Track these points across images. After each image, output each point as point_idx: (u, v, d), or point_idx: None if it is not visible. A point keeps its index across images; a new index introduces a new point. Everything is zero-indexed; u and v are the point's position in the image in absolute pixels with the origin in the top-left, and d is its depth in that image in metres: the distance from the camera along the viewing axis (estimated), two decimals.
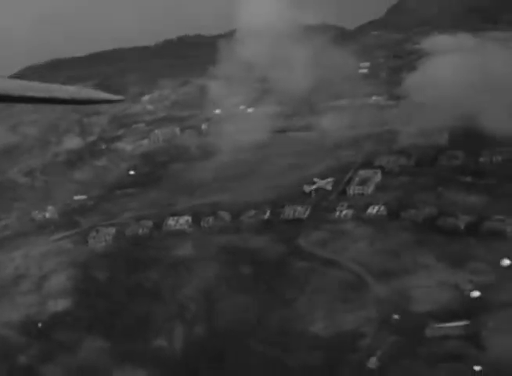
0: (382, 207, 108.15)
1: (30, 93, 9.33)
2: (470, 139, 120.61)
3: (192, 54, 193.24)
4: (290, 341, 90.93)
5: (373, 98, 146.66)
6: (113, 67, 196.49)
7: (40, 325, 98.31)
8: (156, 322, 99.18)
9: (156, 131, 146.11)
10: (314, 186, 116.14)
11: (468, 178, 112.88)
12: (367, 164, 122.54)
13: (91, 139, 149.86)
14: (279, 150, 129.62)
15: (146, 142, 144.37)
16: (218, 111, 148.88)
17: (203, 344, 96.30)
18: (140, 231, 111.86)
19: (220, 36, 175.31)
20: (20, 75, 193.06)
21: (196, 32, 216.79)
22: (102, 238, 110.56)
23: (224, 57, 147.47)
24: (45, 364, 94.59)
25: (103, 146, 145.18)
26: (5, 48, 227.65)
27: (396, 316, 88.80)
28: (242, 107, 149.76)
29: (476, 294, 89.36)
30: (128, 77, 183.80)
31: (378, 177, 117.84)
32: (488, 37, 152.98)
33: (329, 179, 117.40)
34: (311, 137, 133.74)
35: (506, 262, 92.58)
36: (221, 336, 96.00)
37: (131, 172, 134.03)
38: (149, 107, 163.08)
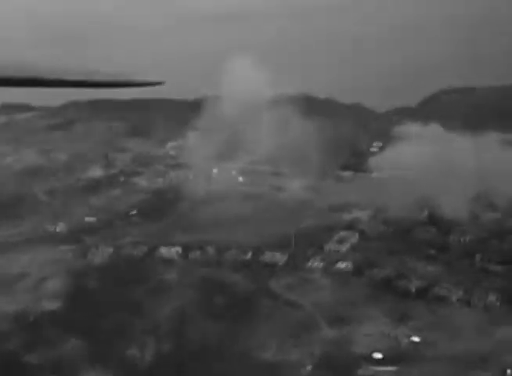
0: (349, 264, 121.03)
1: (66, 77, 9.06)
2: (444, 218, 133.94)
3: None
4: (244, 362, 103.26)
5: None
6: (149, 113, 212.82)
7: (31, 319, 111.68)
8: (132, 333, 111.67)
9: (171, 172, 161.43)
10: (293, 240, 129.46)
11: (432, 251, 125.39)
12: (350, 226, 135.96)
13: (113, 171, 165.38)
14: (270, 204, 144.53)
15: (160, 180, 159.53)
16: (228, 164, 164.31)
17: (170, 358, 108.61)
18: (135, 253, 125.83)
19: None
20: (63, 108, 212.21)
21: None
22: (100, 254, 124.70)
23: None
24: (27, 353, 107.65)
25: (122, 179, 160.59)
26: None
27: (336, 355, 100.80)
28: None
29: (410, 346, 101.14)
30: (160, 124, 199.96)
31: (355, 238, 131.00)
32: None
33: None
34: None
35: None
36: (187, 353, 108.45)
37: (140, 204, 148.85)
38: (172, 153, 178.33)
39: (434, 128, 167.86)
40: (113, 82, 9.62)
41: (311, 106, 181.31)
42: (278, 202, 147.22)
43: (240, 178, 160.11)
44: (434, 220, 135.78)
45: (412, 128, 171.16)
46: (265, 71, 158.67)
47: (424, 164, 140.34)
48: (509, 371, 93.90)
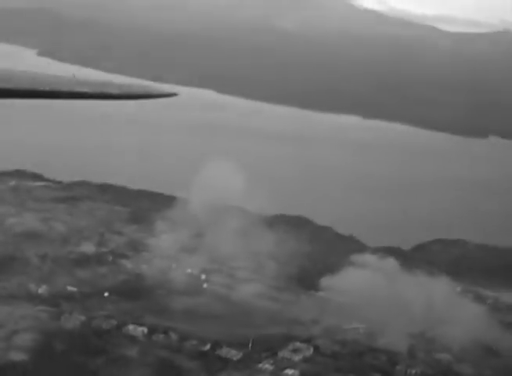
0: (297, 373, 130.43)
1: (81, 89, 8.58)
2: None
3: None
4: None
5: None
6: (151, 204, 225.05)
7: None
8: None
9: (157, 260, 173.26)
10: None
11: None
12: (307, 340, 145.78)
13: (104, 250, 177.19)
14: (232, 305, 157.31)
15: (145, 266, 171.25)
16: None
17: None
18: (104, 325, 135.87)
19: None
20: (74, 184, 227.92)
21: None
22: (72, 321, 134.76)
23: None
24: None
25: (110, 259, 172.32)
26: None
27: None
28: None
29: None
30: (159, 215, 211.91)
31: (309, 352, 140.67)
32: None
33: None
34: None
35: None
36: None
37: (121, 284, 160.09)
38: (163, 243, 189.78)
39: (392, 263, 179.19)
40: (127, 95, 9.06)
41: (289, 225, 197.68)
42: (238, 303, 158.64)
43: (203, 276, 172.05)
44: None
45: (370, 258, 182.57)
46: (241, 184, 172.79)
47: (372, 293, 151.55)
48: None
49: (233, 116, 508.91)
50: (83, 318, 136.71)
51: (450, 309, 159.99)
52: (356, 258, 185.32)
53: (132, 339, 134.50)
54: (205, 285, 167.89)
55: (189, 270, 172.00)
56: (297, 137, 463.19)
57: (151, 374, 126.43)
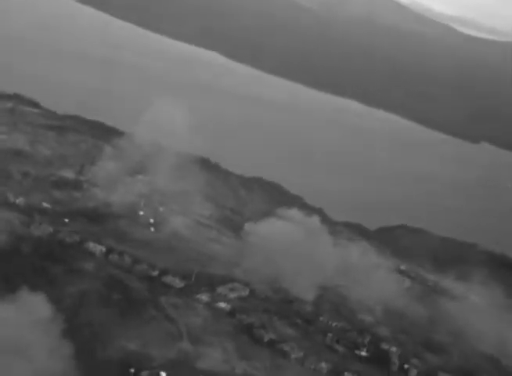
0: (228, 306, 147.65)
1: None
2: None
3: None
4: (111, 348, 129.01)
5: None
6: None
7: None
8: None
9: (129, 194, 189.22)
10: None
11: (299, 321, 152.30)
12: (246, 283, 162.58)
13: (81, 178, 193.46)
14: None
15: (116, 197, 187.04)
16: None
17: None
18: (68, 239, 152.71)
19: None
20: (67, 117, 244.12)
21: None
22: (41, 231, 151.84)
23: None
24: None
25: (85, 186, 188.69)
26: None
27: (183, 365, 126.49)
28: None
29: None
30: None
31: (245, 292, 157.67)
32: None
33: None
34: None
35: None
36: (76, 326, 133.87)
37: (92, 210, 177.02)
38: (139, 181, 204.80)
39: (315, 221, 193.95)
40: None
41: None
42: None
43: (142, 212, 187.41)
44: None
45: (296, 213, 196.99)
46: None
47: (289, 243, 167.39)
48: None
49: (229, 80, 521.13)
50: (50, 229, 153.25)
51: (367, 275, 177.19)
52: (283, 211, 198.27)
53: (91, 255, 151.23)
54: (141, 212, 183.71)
55: (130, 197, 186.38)
56: (282, 106, 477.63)
57: (101, 287, 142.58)
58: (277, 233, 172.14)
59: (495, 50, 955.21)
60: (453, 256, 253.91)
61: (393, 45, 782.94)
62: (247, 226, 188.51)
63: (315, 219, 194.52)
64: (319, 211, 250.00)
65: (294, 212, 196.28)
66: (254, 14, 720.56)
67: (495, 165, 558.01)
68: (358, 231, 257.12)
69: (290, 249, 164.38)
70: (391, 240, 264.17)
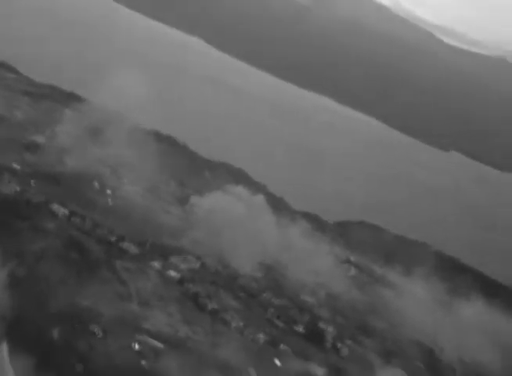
0: (178, 275, 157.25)
1: None
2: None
3: None
4: (67, 305, 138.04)
5: None
6: None
7: None
8: None
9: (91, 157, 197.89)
10: None
11: (241, 293, 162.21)
12: (198, 257, 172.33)
13: (51, 143, 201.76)
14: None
15: (81, 161, 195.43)
16: None
17: (21, 282, 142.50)
18: (33, 199, 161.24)
19: None
20: (43, 86, 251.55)
21: None
22: (8, 188, 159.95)
23: None
24: None
25: (53, 150, 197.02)
26: None
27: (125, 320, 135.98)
28: None
29: (187, 337, 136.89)
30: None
31: (197, 265, 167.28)
32: None
33: None
34: None
35: None
36: (32, 280, 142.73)
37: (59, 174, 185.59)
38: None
39: (260, 200, 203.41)
40: None
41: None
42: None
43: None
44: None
45: (241, 190, 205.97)
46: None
47: (230, 218, 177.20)
48: None
49: (208, 66, 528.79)
50: (18, 188, 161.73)
51: (313, 258, 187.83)
52: (229, 187, 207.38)
53: (54, 216, 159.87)
54: (96, 183, 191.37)
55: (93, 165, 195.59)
56: (258, 98, 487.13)
57: (61, 246, 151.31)
58: (221, 207, 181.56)
59: (477, 61, 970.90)
60: (404, 253, 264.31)
61: (377, 47, 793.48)
62: (193, 199, 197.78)
63: (260, 198, 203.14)
64: (263, 189, 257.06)
65: (240, 189, 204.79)
66: (244, 4, 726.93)
67: (461, 173, 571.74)
68: (316, 222, 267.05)
69: (232, 224, 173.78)
70: (346, 233, 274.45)
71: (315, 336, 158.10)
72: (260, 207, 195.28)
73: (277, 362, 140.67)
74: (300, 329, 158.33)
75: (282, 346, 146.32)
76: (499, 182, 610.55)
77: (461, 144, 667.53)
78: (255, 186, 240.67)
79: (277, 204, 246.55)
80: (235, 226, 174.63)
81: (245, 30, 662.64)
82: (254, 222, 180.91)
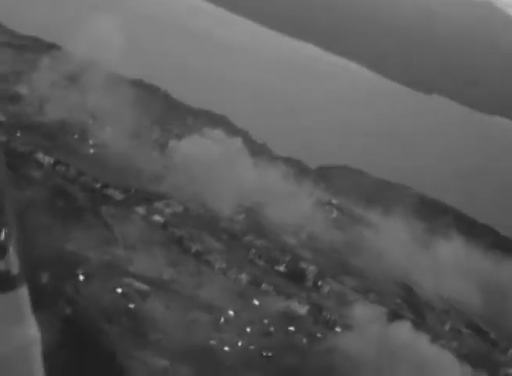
0: (162, 219, 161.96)
1: None
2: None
3: None
4: (51, 249, 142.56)
5: None
6: None
7: None
8: None
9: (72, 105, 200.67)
10: None
11: (225, 237, 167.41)
12: (181, 201, 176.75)
13: (35, 94, 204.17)
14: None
15: (61, 111, 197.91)
16: None
17: None
18: (18, 149, 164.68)
19: None
20: (27, 38, 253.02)
21: None
22: None
23: None
24: None
25: (37, 102, 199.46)
26: None
27: (109, 265, 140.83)
28: None
29: (170, 279, 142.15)
30: None
31: (180, 209, 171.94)
32: None
33: None
34: None
35: None
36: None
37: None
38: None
39: (238, 143, 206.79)
40: None
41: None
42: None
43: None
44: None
45: (219, 133, 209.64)
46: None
47: (208, 161, 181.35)
48: None
49: (184, 14, 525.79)
50: (4, 138, 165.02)
51: (294, 200, 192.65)
52: (207, 131, 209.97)
53: (39, 165, 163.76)
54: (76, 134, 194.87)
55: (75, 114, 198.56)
56: (237, 46, 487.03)
57: (47, 194, 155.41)
58: (197, 151, 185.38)
59: (462, 7, 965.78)
60: (385, 195, 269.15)
61: None
62: (171, 143, 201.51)
63: (238, 141, 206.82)
64: (244, 135, 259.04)
65: (218, 132, 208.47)
66: None
67: (444, 117, 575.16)
68: (298, 167, 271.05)
69: (209, 167, 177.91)
70: (329, 176, 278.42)
71: (296, 275, 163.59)
72: (237, 149, 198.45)
73: (256, 302, 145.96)
74: (281, 269, 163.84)
75: (264, 286, 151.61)
76: (483, 124, 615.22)
77: (445, 88, 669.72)
78: (235, 131, 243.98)
79: (258, 149, 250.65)
80: (211, 169, 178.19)
81: None
82: (231, 165, 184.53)
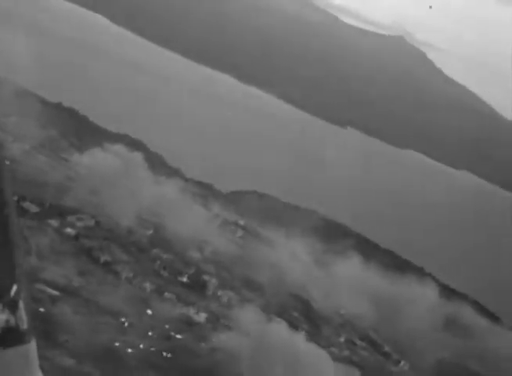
0: (74, 231, 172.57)
1: None
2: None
3: None
4: None
5: None
6: None
7: None
8: None
9: None
10: None
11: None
12: (94, 216, 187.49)
13: None
14: None
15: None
16: None
17: None
18: None
19: None
20: None
21: None
22: None
23: None
24: None
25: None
26: None
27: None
28: None
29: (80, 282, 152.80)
30: None
31: (91, 223, 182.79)
32: None
33: None
34: None
35: None
36: None
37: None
38: None
39: (137, 158, 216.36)
40: None
41: None
42: None
43: None
44: None
45: (120, 148, 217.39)
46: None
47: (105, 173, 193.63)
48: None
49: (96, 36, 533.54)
50: None
51: (197, 218, 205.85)
52: (108, 145, 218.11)
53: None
54: None
55: None
56: (150, 70, 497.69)
57: None
58: (100, 164, 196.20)
59: (374, 40, 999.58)
60: (292, 219, 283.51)
61: (268, 21, 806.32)
62: (75, 157, 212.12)
63: (138, 155, 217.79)
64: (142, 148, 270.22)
65: (118, 147, 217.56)
66: None
67: (357, 148, 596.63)
68: (208, 189, 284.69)
69: (109, 181, 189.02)
70: (238, 200, 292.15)
71: (198, 286, 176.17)
72: (137, 164, 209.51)
73: (158, 308, 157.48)
74: (184, 279, 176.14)
75: (166, 294, 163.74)
76: (390, 157, 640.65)
77: (355, 121, 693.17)
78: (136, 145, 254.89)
79: (162, 167, 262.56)
80: (111, 183, 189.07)
81: (149, 9, 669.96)
82: (131, 179, 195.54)
